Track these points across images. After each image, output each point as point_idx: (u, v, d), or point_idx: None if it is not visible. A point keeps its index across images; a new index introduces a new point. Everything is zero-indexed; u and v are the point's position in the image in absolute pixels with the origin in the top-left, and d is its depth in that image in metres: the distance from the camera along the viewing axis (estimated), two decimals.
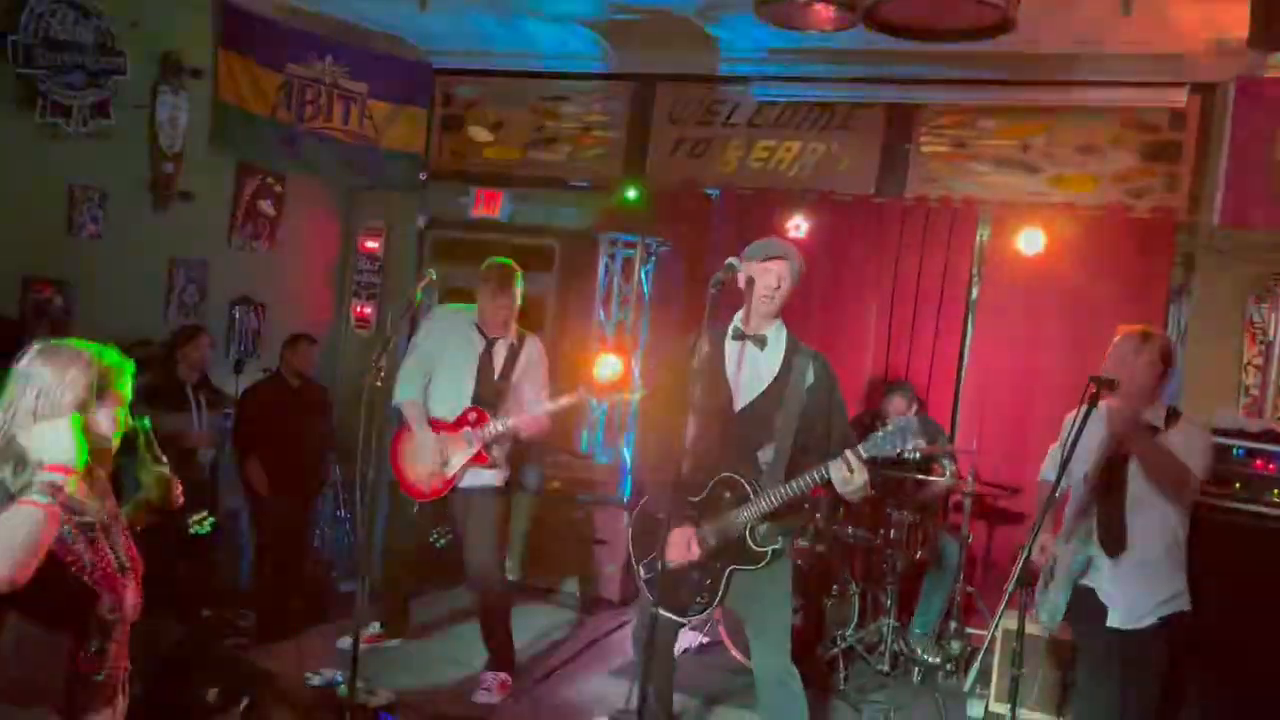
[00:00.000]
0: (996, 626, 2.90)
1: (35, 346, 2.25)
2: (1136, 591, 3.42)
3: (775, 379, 3.33)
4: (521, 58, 7.27)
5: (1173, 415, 3.57)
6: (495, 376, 4.51)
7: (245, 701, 3.90)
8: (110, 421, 2.28)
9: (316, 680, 4.25)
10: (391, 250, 7.71)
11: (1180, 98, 5.77)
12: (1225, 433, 4.67)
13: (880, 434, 3.11)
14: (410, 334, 5.16)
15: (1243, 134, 5.55)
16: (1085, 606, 3.53)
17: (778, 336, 3.40)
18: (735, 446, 3.31)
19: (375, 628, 4.92)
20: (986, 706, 4.79)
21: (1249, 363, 5.63)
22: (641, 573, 3.48)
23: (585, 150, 7.29)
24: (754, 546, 3.29)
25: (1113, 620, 3.42)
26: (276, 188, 7.01)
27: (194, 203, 6.28)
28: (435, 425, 4.49)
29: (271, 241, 7.03)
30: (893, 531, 5.35)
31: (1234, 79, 5.57)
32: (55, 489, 2.05)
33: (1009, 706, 2.81)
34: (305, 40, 6.85)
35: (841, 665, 5.05)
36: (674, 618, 3.42)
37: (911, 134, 6.47)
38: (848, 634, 5.24)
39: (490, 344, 4.53)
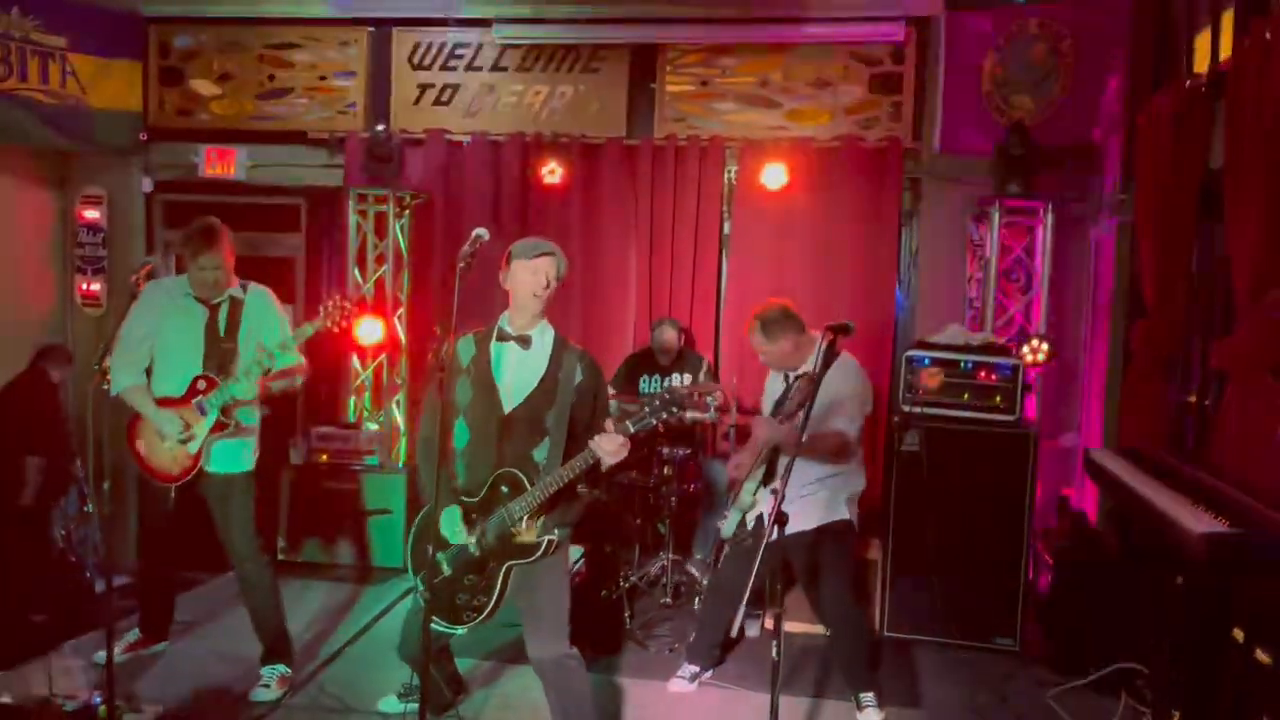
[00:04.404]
0: (762, 555, 3.04)
1: None
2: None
3: (543, 379, 3.34)
4: (242, 4, 6.76)
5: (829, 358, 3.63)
6: (222, 337, 4.26)
7: None
8: None
9: (71, 704, 3.92)
10: (115, 219, 7.06)
11: (898, 32, 6.11)
12: (952, 348, 5.10)
13: (647, 409, 3.16)
14: None
15: (953, 65, 5.96)
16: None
17: (543, 336, 3.39)
18: (509, 448, 3.32)
19: (134, 634, 4.61)
20: (762, 624, 5.09)
21: (971, 278, 6.13)
22: (419, 584, 3.44)
23: (325, 101, 6.90)
24: (530, 539, 3.31)
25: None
26: None
27: None
28: (166, 403, 4.21)
29: None
30: (666, 469, 5.51)
31: (943, 13, 5.95)
32: None
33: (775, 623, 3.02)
34: None
35: (626, 604, 5.20)
36: (448, 629, 3.41)
37: (656, 74, 6.54)
38: (631, 574, 5.39)
39: (213, 309, 4.27)
